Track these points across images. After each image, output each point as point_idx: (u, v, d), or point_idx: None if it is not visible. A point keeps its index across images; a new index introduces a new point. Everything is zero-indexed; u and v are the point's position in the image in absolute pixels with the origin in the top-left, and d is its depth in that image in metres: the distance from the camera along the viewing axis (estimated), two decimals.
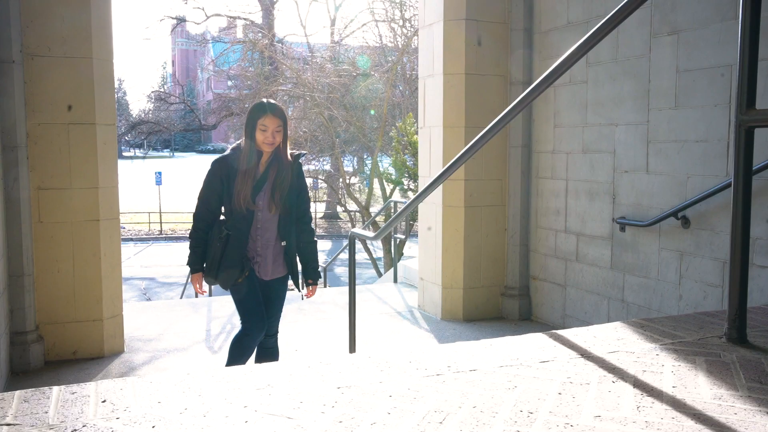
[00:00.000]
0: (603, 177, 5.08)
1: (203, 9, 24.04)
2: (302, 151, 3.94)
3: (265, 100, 3.78)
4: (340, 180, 19.18)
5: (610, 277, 5.05)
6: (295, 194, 3.78)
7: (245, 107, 20.20)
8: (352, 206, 19.03)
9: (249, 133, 3.67)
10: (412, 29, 17.18)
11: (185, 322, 6.04)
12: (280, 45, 20.47)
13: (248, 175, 3.64)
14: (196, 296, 11.93)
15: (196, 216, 3.76)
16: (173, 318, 6.20)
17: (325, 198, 30.31)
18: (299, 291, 3.90)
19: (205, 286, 3.85)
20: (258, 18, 23.76)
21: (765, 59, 3.77)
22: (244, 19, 23.55)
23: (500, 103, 5.64)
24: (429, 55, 6.05)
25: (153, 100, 34.36)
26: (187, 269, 4.05)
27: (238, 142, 3.78)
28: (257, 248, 3.73)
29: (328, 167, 21.28)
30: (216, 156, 3.83)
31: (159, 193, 29.99)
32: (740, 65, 1.63)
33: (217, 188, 3.69)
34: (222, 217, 3.77)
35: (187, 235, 4.20)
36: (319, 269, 4.02)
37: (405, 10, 18.18)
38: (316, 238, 3.99)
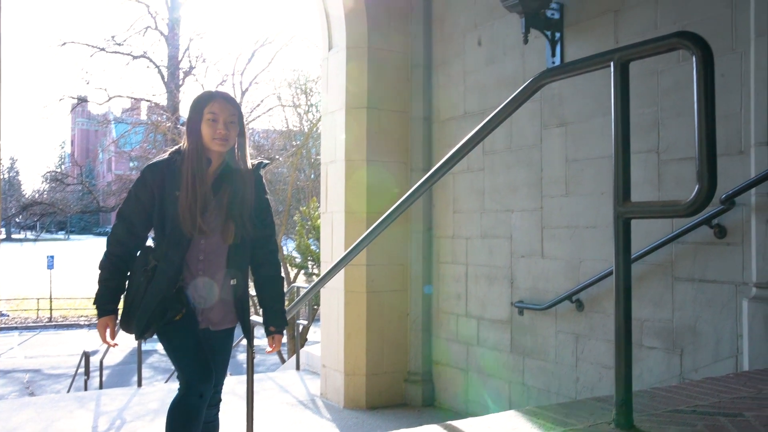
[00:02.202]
0: (501, 262, 5.20)
1: (106, 90, 23.70)
2: (263, 160, 3.08)
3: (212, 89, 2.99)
4: None
5: (510, 361, 5.11)
6: (255, 216, 2.93)
7: None
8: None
9: (192, 128, 2.83)
10: (317, 114, 17.51)
11: (69, 420, 5.61)
12: (184, 127, 20.31)
13: (195, 188, 2.76)
14: (86, 389, 11.17)
15: (112, 239, 2.85)
16: (56, 415, 5.74)
17: None
18: (248, 343, 3.11)
19: (120, 336, 2.99)
20: (163, 99, 23.60)
21: (643, 151, 4.04)
22: (148, 100, 23.35)
23: (401, 189, 5.74)
24: (331, 141, 6.14)
25: (48, 181, 33.05)
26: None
27: (178, 146, 2.93)
28: (197, 287, 2.85)
29: None
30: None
31: (50, 277, 28.43)
32: (615, 160, 1.73)
33: (145, 203, 2.80)
34: (150, 244, 2.91)
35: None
36: (286, 314, 3.22)
37: (310, 96, 18.56)
38: (282, 274, 3.15)
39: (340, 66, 6.01)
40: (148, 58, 24.34)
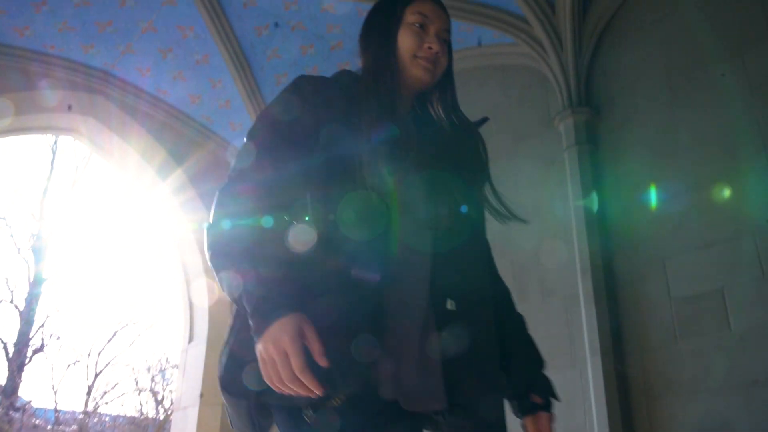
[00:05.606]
0: None
1: None
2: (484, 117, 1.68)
3: None
4: None
5: None
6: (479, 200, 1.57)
7: None
8: None
9: (381, 37, 1.53)
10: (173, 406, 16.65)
11: None
12: (18, 413, 18.45)
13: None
14: None
15: (249, 188, 1.35)
16: None
17: None
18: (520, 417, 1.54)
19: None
20: (2, 380, 21.69)
21: None
22: None
23: None
24: None
25: None
26: None
27: (345, 69, 1.61)
28: (390, 323, 1.34)
29: None
30: None
31: None
32: None
33: (308, 130, 1.41)
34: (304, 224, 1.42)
35: None
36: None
37: (170, 383, 17.79)
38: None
39: (198, 359, 5.88)
40: None
